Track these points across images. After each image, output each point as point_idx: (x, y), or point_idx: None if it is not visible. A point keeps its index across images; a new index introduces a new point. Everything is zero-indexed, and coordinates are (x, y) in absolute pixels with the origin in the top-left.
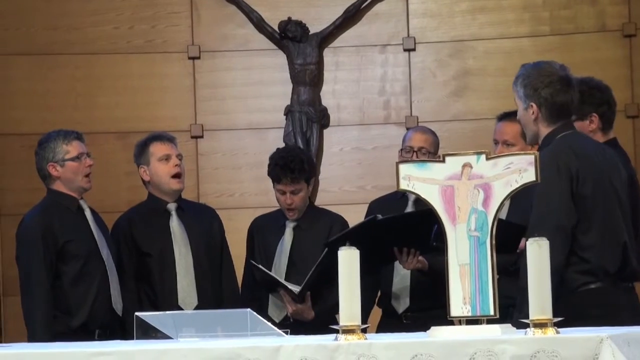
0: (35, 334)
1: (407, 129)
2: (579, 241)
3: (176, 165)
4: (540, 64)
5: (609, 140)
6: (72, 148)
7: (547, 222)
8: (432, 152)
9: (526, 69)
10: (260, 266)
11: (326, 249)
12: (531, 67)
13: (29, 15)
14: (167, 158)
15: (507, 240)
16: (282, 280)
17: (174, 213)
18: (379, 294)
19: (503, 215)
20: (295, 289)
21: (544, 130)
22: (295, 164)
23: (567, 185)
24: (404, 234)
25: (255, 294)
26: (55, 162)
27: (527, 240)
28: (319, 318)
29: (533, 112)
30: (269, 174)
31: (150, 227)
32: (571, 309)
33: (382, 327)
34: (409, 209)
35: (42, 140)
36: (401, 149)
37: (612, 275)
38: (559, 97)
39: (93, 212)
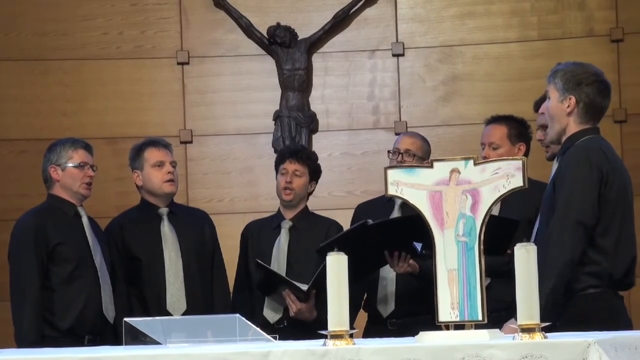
0: (23, 332)
1: (396, 134)
2: (594, 243)
3: (169, 173)
4: (582, 63)
5: None
6: (77, 155)
7: (570, 217)
8: (419, 156)
9: (567, 65)
10: (265, 265)
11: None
12: (573, 64)
13: (18, 21)
14: (160, 164)
15: (499, 237)
16: (289, 279)
17: (165, 217)
18: (364, 297)
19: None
20: (303, 286)
21: (574, 127)
22: (301, 148)
23: (596, 186)
24: (394, 238)
25: (247, 298)
26: (57, 165)
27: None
28: (319, 321)
29: (569, 106)
30: (276, 160)
31: (141, 231)
32: (572, 312)
33: (368, 333)
34: (396, 213)
35: (52, 144)
36: (389, 151)
37: (614, 282)
38: (599, 99)
39: (91, 219)
